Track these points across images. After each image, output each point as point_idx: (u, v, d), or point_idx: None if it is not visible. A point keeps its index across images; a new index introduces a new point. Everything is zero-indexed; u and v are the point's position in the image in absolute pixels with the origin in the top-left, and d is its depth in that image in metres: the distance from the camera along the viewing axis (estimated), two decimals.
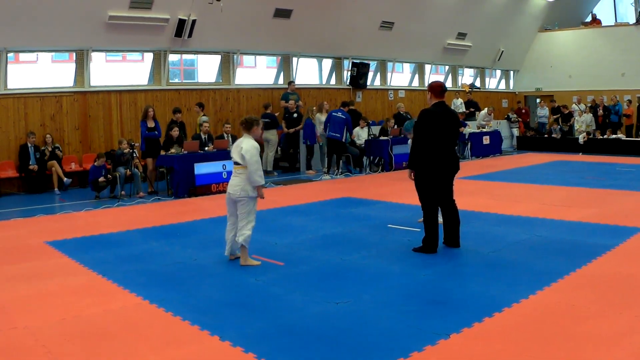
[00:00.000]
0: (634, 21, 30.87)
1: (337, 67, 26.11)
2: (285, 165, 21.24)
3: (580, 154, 17.68)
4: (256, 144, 8.73)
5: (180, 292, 7.41)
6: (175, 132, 16.50)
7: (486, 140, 24.64)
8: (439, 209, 9.21)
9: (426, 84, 28.89)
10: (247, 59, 29.72)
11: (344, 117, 19.31)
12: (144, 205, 14.53)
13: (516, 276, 7.81)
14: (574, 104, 28.03)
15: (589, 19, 34.37)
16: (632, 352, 5.38)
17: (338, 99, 23.49)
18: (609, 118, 27.26)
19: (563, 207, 12.49)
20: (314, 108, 20.80)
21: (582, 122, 26.50)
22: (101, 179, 15.42)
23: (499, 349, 5.51)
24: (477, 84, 33.29)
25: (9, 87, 17.25)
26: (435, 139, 8.90)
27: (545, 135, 27.60)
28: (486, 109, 26.53)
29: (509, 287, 7.31)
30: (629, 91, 29.48)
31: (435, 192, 9.02)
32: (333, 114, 19.48)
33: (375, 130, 21.72)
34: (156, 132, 16.64)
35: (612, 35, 31.43)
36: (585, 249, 9.02)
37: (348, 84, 25.89)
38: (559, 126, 27.13)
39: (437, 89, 9.18)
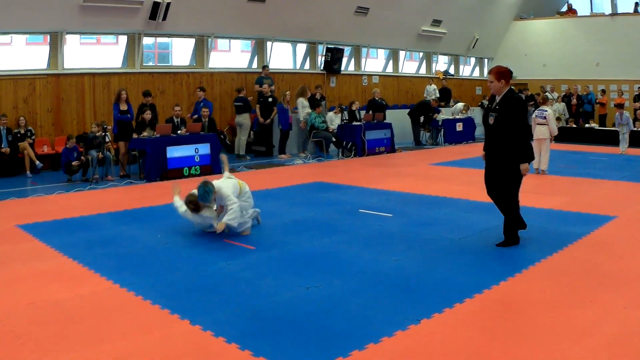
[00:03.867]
0: (610, 12, 31.04)
1: (311, 52, 26.06)
2: (261, 149, 21.13)
3: (553, 142, 17.78)
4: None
5: (150, 276, 7.39)
6: (147, 115, 16.39)
7: (459, 127, 24.71)
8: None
9: (400, 70, 29.01)
10: (222, 43, 29.60)
11: None
12: (115, 188, 14.45)
13: (486, 263, 7.86)
14: (547, 93, 28.15)
15: (564, 8, 34.45)
16: (601, 343, 5.41)
17: (312, 84, 23.43)
18: (583, 107, 27.46)
19: (535, 194, 12.54)
20: (287, 92, 20.73)
21: (555, 111, 26.63)
22: (75, 162, 15.31)
23: (469, 335, 5.53)
24: (451, 71, 33.35)
25: None
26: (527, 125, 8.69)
27: None
28: (462, 104, 26.50)
29: (479, 273, 7.35)
30: (603, 81, 29.76)
31: None
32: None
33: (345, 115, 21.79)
34: (129, 114, 16.52)
35: (587, 25, 31.61)
36: (556, 236, 9.08)
37: (322, 69, 25.85)
38: (532, 108, 27.31)
39: (510, 73, 8.60)
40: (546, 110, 15.78)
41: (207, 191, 8.89)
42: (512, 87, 8.69)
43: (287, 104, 20.36)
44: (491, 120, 8.47)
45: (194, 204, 9.22)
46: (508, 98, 8.41)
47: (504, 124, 8.37)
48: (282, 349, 5.31)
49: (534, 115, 16.18)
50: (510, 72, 8.61)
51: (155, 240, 9.26)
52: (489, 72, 8.60)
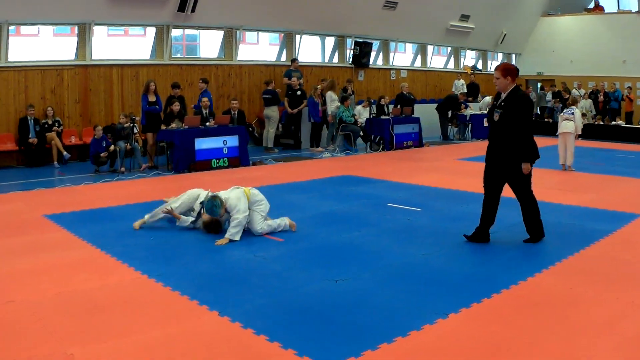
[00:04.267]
0: (637, 9, 30.83)
1: (339, 46, 26.03)
2: (289, 142, 21.19)
3: (579, 139, 17.61)
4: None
5: (179, 267, 7.43)
6: (176, 106, 16.45)
7: (487, 122, 24.55)
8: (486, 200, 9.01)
9: (428, 65, 28.95)
10: (250, 35, 29.61)
11: None
12: (143, 179, 14.51)
13: (514, 258, 7.86)
14: (574, 89, 28.00)
15: (591, 5, 34.21)
16: (626, 337, 5.42)
17: (341, 78, 23.45)
18: (609, 104, 27.31)
19: (561, 191, 12.50)
20: (318, 86, 20.72)
21: (581, 108, 26.47)
22: (103, 153, 15.37)
23: (496, 330, 5.53)
24: (479, 66, 33.24)
25: (9, 59, 17.15)
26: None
27: (546, 120, 27.52)
28: (490, 99, 26.37)
29: (507, 269, 7.35)
30: (630, 78, 29.52)
31: None
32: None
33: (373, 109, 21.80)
34: (157, 106, 16.60)
35: (614, 22, 31.37)
36: (583, 233, 9.05)
37: (350, 62, 25.83)
38: (560, 105, 27.19)
39: (516, 72, 8.57)
40: (574, 108, 15.76)
41: (215, 205, 8.75)
42: (518, 84, 8.66)
43: (318, 97, 20.37)
44: (496, 117, 8.46)
45: (209, 225, 9.23)
46: (513, 95, 8.40)
47: (508, 121, 8.35)
48: (311, 341, 5.33)
49: (562, 113, 16.23)
50: (517, 70, 8.59)
51: (183, 231, 9.30)
52: (496, 69, 8.61)
